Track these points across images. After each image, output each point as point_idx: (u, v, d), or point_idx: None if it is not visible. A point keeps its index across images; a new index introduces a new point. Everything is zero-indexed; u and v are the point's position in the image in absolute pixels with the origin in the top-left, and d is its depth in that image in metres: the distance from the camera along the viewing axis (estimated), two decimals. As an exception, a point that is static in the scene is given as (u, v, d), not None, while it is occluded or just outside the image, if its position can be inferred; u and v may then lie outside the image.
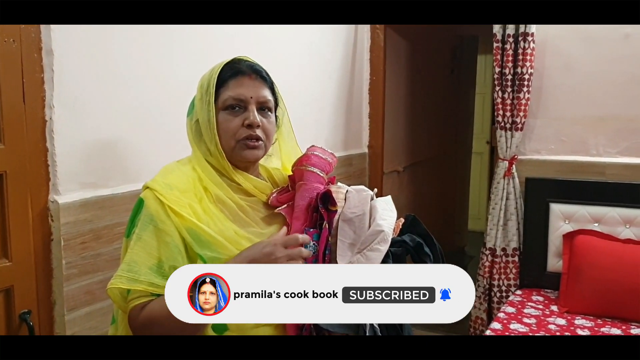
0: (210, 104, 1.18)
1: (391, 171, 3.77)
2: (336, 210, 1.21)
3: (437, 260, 1.21)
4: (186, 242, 1.12)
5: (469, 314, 3.16)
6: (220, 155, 1.19)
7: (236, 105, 1.19)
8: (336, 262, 1.17)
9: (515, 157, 3.00)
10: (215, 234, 1.12)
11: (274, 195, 1.25)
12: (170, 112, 1.91)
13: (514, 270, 3.03)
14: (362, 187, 1.30)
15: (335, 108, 3.11)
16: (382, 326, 1.16)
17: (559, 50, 2.93)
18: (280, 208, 1.23)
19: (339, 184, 1.31)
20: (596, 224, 2.77)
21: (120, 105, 1.75)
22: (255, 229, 1.20)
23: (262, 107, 1.22)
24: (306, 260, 1.12)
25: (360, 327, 1.10)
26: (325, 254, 1.18)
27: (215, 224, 1.14)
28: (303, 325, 1.16)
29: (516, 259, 3.03)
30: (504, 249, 3.05)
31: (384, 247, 1.15)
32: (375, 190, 1.31)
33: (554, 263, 2.86)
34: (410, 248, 1.20)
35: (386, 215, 1.22)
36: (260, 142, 1.21)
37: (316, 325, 1.11)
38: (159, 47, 1.88)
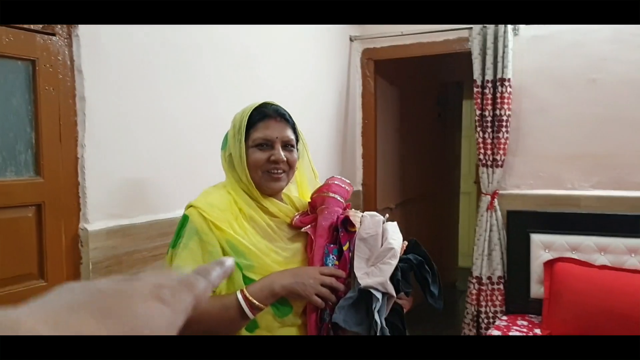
0: (241, 142, 1.40)
1: (384, 208, 3.98)
2: (355, 231, 1.42)
3: (434, 277, 1.43)
4: (225, 252, 1.32)
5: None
6: (250, 185, 1.41)
7: (264, 143, 1.41)
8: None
9: (497, 191, 3.23)
10: (250, 245, 1.33)
11: (297, 217, 1.46)
12: (185, 152, 2.14)
13: (499, 297, 3.21)
14: (374, 212, 1.52)
15: (331, 149, 3.35)
16: (389, 326, 1.35)
17: (533, 94, 3.21)
18: (305, 228, 1.44)
19: (353, 209, 1.52)
20: (573, 252, 2.97)
21: (141, 145, 1.98)
22: (281, 244, 1.42)
23: (286, 145, 1.44)
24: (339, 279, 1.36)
25: (371, 327, 1.30)
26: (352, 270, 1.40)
27: (249, 238, 1.35)
28: (322, 325, 1.35)
29: (501, 286, 3.22)
30: (489, 277, 3.24)
31: (394, 262, 1.36)
32: (387, 215, 1.52)
33: (537, 290, 3.05)
34: (414, 265, 1.41)
35: (396, 236, 1.43)
36: (284, 173, 1.43)
37: (334, 324, 1.31)
38: (177, 92, 2.13)
